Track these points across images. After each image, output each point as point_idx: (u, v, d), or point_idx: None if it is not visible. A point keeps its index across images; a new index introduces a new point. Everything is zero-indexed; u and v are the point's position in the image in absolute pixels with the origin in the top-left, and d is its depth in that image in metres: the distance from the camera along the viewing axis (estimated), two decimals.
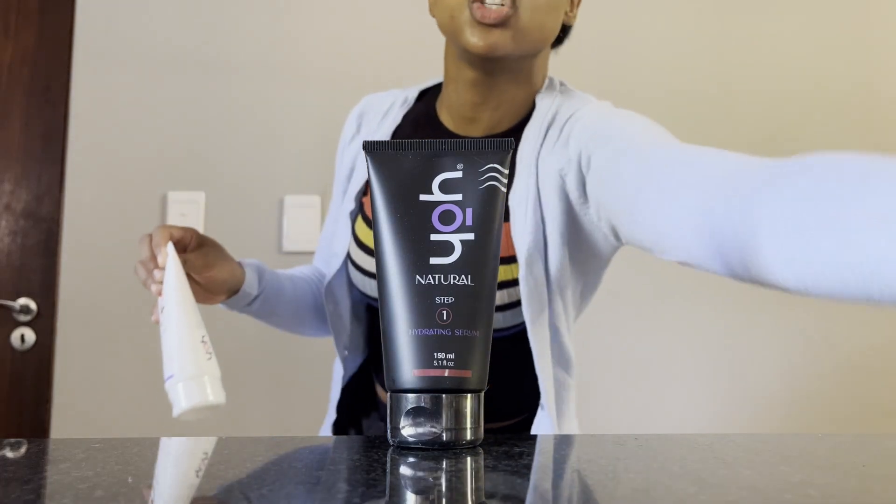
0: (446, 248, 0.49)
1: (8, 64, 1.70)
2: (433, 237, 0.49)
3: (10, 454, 0.47)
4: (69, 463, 0.42)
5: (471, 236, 0.49)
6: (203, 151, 1.71)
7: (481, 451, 0.48)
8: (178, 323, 0.75)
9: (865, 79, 1.78)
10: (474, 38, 0.74)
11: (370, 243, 0.86)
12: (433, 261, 0.49)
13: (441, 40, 0.86)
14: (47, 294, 1.66)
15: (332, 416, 1.00)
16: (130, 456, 0.46)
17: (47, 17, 1.72)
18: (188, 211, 1.68)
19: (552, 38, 0.81)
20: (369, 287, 0.89)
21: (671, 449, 0.50)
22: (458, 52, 0.80)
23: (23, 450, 0.48)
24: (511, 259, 0.79)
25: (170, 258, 0.78)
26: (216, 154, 1.71)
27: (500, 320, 0.83)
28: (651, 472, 0.43)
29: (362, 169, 0.90)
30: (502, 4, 0.72)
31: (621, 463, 0.45)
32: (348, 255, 0.91)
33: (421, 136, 0.86)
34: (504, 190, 0.51)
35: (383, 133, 0.89)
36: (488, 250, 0.49)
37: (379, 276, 0.50)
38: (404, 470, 0.43)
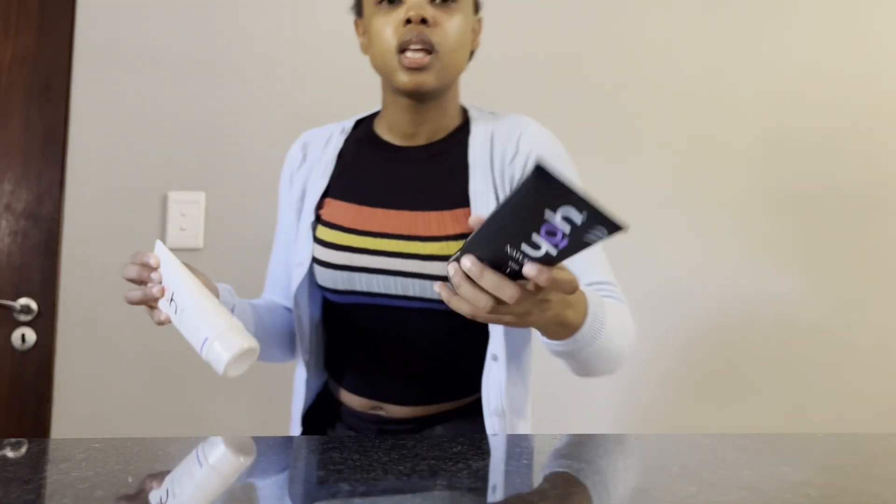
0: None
1: (8, 64, 1.70)
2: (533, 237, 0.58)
3: (10, 454, 0.47)
4: (69, 463, 0.42)
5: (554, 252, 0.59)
6: (203, 152, 1.71)
7: (481, 450, 0.48)
8: (195, 296, 0.80)
9: (865, 78, 1.78)
10: (404, 79, 0.91)
11: (333, 240, 0.97)
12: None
13: None
14: (48, 294, 1.66)
15: (297, 430, 1.04)
16: (130, 456, 0.46)
17: (48, 17, 1.72)
18: (188, 211, 1.68)
19: (464, 68, 0.99)
20: (340, 281, 0.97)
21: (671, 449, 0.50)
22: (391, 86, 0.96)
23: (23, 450, 0.48)
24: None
25: (163, 253, 0.83)
26: (217, 154, 1.71)
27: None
28: (651, 472, 0.43)
29: (316, 186, 1.02)
30: (424, 52, 0.90)
31: (621, 463, 0.45)
32: (313, 259, 0.99)
33: (365, 153, 1.02)
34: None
35: (329, 156, 1.03)
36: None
37: None
38: (401, 469, 0.43)
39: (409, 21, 0.90)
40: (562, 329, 0.73)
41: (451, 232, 0.92)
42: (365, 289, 0.94)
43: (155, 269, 0.82)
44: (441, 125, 0.99)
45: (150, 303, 0.82)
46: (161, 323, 0.81)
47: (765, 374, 1.72)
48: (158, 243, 0.84)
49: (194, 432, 1.64)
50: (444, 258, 0.90)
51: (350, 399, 1.00)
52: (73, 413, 1.65)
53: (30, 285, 1.66)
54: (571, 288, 0.63)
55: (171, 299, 0.80)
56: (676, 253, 1.73)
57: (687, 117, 1.74)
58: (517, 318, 0.66)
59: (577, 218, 0.54)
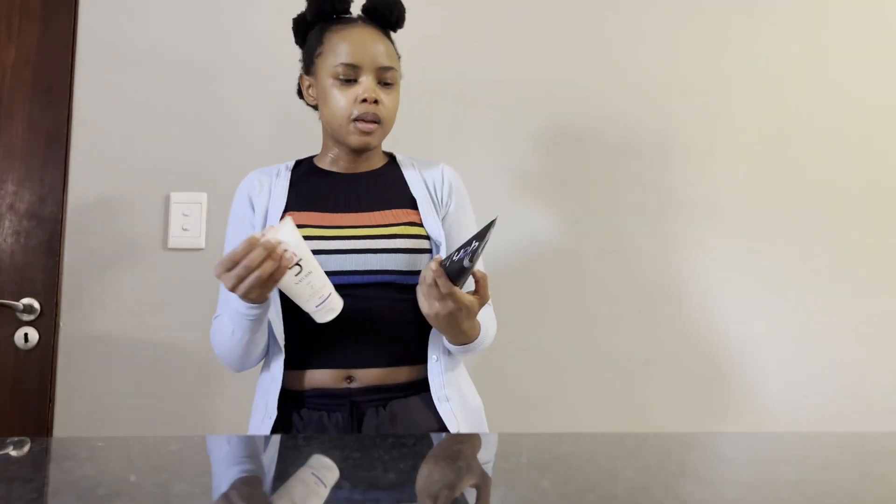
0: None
1: (11, 65, 1.71)
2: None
3: (13, 452, 0.47)
4: (72, 461, 0.43)
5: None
6: (205, 152, 1.71)
7: (481, 448, 0.48)
8: (316, 263, 1.01)
9: (863, 90, 1.78)
10: (355, 140, 1.17)
11: (305, 234, 1.12)
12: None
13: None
14: (50, 294, 1.66)
15: (271, 414, 1.10)
16: (133, 454, 0.46)
17: (50, 18, 1.72)
18: (191, 212, 1.68)
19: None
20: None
21: (671, 448, 0.50)
22: (341, 142, 1.20)
23: (26, 448, 0.49)
24: (420, 224, 1.18)
25: (291, 227, 0.99)
26: (218, 155, 1.71)
27: (407, 262, 1.12)
28: (651, 471, 0.43)
29: (276, 204, 1.20)
30: (373, 124, 1.16)
31: (621, 462, 0.46)
32: None
33: (315, 182, 1.22)
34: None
35: (281, 185, 1.22)
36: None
37: None
38: (403, 465, 0.43)
39: (364, 100, 1.15)
40: (461, 337, 1.10)
41: (404, 220, 1.15)
42: (338, 268, 1.10)
43: (281, 241, 0.97)
44: (375, 160, 1.26)
45: (279, 273, 0.97)
46: (259, 296, 0.98)
47: (761, 373, 1.72)
48: (288, 218, 1.00)
49: (196, 431, 1.64)
50: (405, 236, 1.13)
51: (320, 377, 1.12)
52: (75, 412, 1.65)
53: (32, 285, 1.67)
54: (485, 292, 1.06)
55: (300, 261, 0.99)
56: (676, 256, 1.73)
57: (688, 116, 1.74)
58: (443, 318, 1.04)
59: (482, 240, 0.97)
